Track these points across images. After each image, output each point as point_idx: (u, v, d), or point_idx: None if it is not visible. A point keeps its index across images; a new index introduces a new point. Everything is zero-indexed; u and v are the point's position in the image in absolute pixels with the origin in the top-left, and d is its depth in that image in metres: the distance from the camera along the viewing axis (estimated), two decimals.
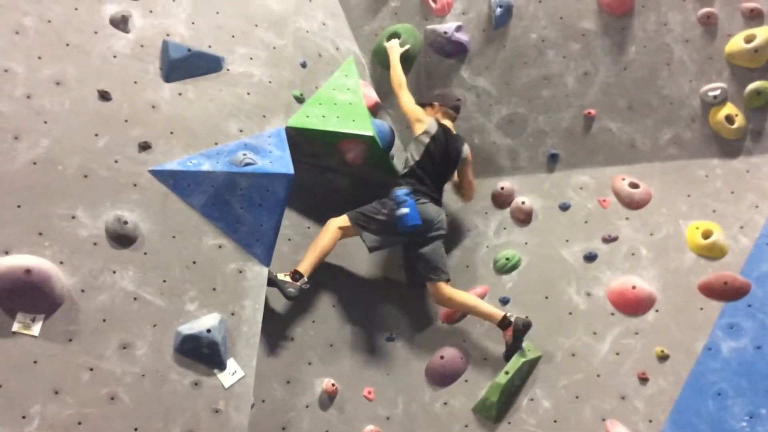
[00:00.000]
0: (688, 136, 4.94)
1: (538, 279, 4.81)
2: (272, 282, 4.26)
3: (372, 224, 4.64)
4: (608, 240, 4.76)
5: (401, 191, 4.58)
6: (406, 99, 5.00)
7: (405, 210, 4.51)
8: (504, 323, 4.45)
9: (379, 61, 5.38)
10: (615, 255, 4.69)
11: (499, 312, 4.50)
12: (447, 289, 4.69)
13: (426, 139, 4.81)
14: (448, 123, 5.00)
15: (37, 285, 3.45)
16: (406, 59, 5.24)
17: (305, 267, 4.42)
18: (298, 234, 4.77)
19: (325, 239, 4.54)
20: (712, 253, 4.49)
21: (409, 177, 4.80)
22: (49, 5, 3.94)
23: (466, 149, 4.98)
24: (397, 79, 5.06)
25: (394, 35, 5.27)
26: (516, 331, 4.39)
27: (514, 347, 4.43)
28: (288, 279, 4.31)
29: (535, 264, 4.88)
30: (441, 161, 4.83)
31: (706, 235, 4.52)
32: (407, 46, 5.24)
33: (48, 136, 3.75)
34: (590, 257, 4.74)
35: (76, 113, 3.87)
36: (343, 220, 4.64)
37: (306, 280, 4.36)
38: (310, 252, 4.49)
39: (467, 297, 4.68)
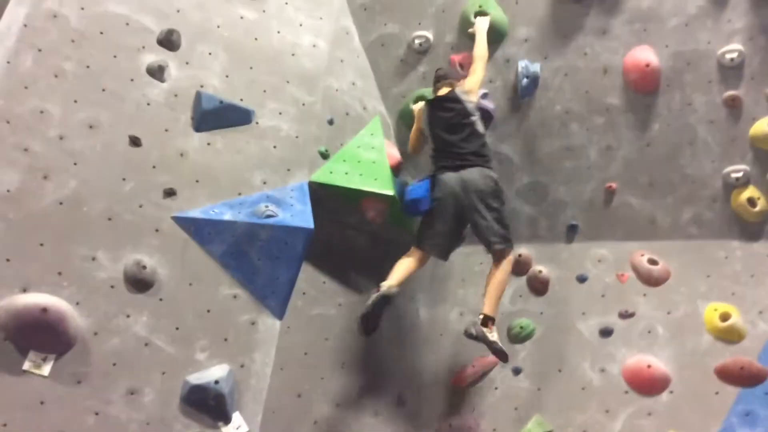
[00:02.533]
0: (709, 216, 4.93)
1: (552, 351, 4.75)
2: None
3: (424, 233, 4.57)
4: (625, 316, 4.72)
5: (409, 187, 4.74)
6: (414, 134, 5.03)
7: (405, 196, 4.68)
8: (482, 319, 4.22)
9: (405, 123, 5.45)
10: (631, 331, 4.64)
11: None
12: (500, 262, 4.39)
13: (423, 125, 4.81)
14: (443, 90, 4.82)
15: (52, 325, 3.47)
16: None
17: (393, 278, 4.31)
18: (313, 288, 4.76)
19: (407, 261, 4.46)
20: (730, 336, 4.42)
21: (432, 158, 4.75)
22: (90, 51, 4.06)
23: (458, 89, 4.72)
24: (412, 137, 5.07)
25: (421, 98, 5.36)
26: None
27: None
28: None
29: (550, 335, 4.83)
30: (445, 126, 4.64)
31: (725, 317, 4.47)
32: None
33: (77, 178, 3.82)
34: (606, 332, 4.68)
35: (105, 157, 3.95)
36: (411, 250, 4.54)
37: (395, 289, 4.24)
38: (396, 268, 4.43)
39: (499, 276, 4.35)
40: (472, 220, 4.47)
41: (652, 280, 4.83)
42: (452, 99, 4.70)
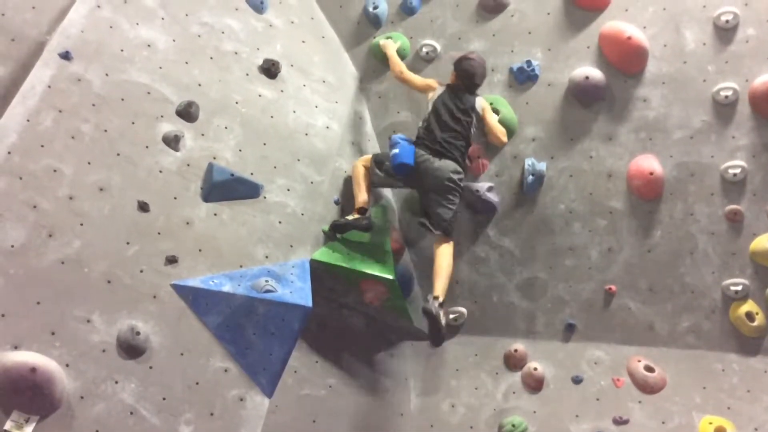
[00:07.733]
0: (707, 327, 4.92)
1: None
2: (344, 227, 4.80)
3: (384, 165, 4.95)
4: (619, 422, 4.63)
5: (396, 136, 4.99)
6: (413, 78, 5.23)
7: (395, 150, 4.83)
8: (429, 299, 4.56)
9: (409, 209, 5.51)
10: None
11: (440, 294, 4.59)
12: (440, 245, 4.84)
13: (430, 101, 5.03)
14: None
15: (39, 385, 3.41)
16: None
17: (361, 201, 4.90)
18: (305, 367, 4.69)
19: (358, 173, 4.99)
20: None
21: (418, 138, 4.99)
22: (109, 116, 4.15)
23: (479, 102, 5.01)
24: (397, 66, 5.27)
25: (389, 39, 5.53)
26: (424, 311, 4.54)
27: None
28: (357, 215, 4.83)
29: None
30: (448, 116, 4.91)
31: None
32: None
33: (81, 238, 3.84)
34: None
35: (112, 220, 3.97)
36: (366, 159, 5.06)
37: (369, 211, 4.93)
38: (354, 187, 4.99)
39: (442, 262, 4.76)
40: (429, 199, 4.89)
41: (647, 388, 4.77)
42: (468, 97, 4.98)
